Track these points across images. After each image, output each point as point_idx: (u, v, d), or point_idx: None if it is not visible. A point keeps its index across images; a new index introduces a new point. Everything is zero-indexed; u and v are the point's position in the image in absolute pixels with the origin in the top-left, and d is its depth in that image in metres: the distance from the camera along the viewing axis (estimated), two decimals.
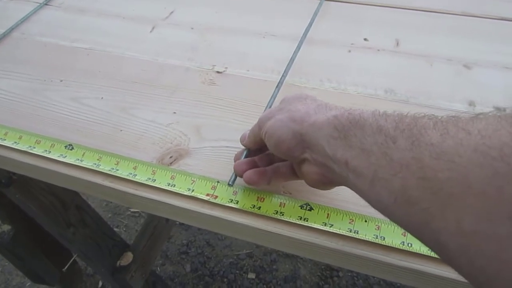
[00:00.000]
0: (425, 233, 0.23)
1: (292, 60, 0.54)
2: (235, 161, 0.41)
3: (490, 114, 0.22)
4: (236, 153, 0.43)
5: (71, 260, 0.97)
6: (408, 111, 0.27)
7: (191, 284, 1.26)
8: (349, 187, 0.30)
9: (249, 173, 0.38)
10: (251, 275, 1.27)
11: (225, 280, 1.26)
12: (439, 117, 0.25)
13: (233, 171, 0.40)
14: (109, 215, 1.46)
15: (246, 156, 0.41)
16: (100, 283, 1.26)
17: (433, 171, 0.22)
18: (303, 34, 0.59)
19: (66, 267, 0.97)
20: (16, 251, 0.86)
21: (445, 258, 0.23)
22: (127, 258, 0.91)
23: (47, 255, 0.92)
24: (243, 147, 0.43)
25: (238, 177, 0.40)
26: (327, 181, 0.33)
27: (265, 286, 1.24)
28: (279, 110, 0.36)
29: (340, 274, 1.25)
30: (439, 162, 0.22)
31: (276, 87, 0.50)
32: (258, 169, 0.39)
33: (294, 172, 0.38)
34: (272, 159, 0.40)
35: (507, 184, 0.19)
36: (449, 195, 0.21)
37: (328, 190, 0.37)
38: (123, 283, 0.90)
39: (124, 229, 1.42)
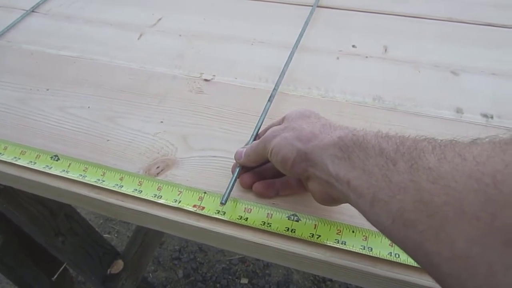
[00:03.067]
0: (420, 255, 0.24)
1: (283, 72, 0.54)
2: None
3: (486, 139, 0.23)
4: (232, 166, 0.43)
5: (61, 269, 0.96)
6: (409, 134, 0.28)
7: None
8: (352, 206, 0.31)
9: (257, 185, 0.41)
10: (244, 280, 1.26)
11: (218, 285, 1.26)
12: (439, 141, 0.26)
13: (225, 189, 0.40)
14: (101, 221, 1.45)
15: (239, 172, 0.41)
16: None
17: (430, 195, 0.23)
18: (295, 43, 0.59)
19: (56, 275, 0.96)
20: (4, 260, 0.85)
21: (438, 280, 0.23)
22: (118, 266, 0.91)
23: (37, 264, 0.91)
24: (232, 157, 0.43)
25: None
26: (332, 199, 0.34)
27: None
28: (284, 128, 0.37)
29: (333, 279, 1.25)
30: (436, 186, 0.23)
31: (268, 100, 0.50)
32: (267, 181, 0.41)
33: (303, 185, 0.38)
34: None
35: (500, 210, 0.20)
36: (444, 219, 0.22)
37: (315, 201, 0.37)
38: None
39: (115, 235, 1.41)
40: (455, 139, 0.25)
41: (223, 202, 0.39)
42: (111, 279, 0.89)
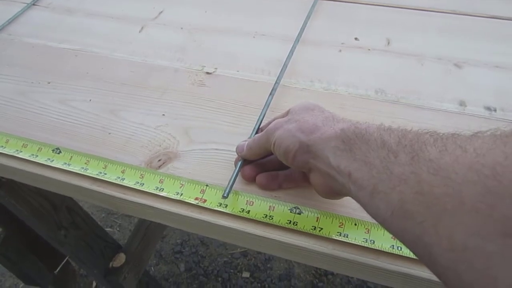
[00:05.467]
0: (419, 246, 0.24)
1: (285, 65, 0.54)
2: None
3: (487, 132, 0.23)
4: (235, 159, 0.43)
5: (63, 262, 0.96)
6: (412, 127, 0.28)
7: (185, 284, 1.26)
8: (353, 198, 0.31)
9: (260, 177, 0.41)
10: (246, 274, 1.27)
11: (220, 279, 1.26)
12: (440, 134, 0.25)
13: (227, 181, 0.40)
14: (103, 215, 1.45)
15: (241, 166, 0.41)
16: (94, 284, 1.25)
17: (430, 186, 0.23)
18: (297, 36, 0.58)
19: (58, 268, 0.96)
20: (7, 254, 0.85)
21: (436, 272, 0.23)
22: (120, 259, 0.91)
23: (39, 257, 0.91)
24: (233, 150, 0.43)
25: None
26: (333, 192, 0.34)
27: (259, 284, 1.24)
28: (287, 120, 0.37)
29: (335, 272, 1.25)
30: (436, 178, 0.23)
31: (270, 94, 0.50)
32: (270, 173, 0.41)
33: (306, 179, 0.38)
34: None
35: (499, 202, 0.20)
36: (443, 210, 0.22)
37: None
38: (116, 284, 0.89)
39: (117, 229, 1.41)
40: (457, 133, 0.25)
41: (225, 195, 0.39)
42: (113, 272, 0.90)
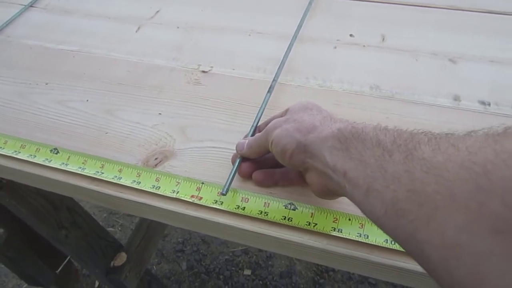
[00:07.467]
0: (411, 244, 0.24)
1: (283, 62, 0.54)
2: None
3: (480, 131, 0.23)
4: (232, 156, 0.44)
5: (65, 262, 0.97)
6: (407, 127, 0.28)
7: (187, 282, 1.27)
8: (348, 198, 0.31)
9: (257, 173, 0.41)
10: (247, 272, 1.27)
11: (221, 277, 1.27)
12: (435, 134, 0.26)
13: (223, 179, 0.40)
14: (104, 214, 1.46)
15: (239, 163, 0.42)
16: (97, 283, 1.26)
17: (422, 184, 0.23)
18: (294, 34, 0.59)
19: (60, 268, 0.96)
20: (9, 254, 0.86)
21: (428, 269, 0.23)
22: (121, 258, 0.91)
23: (41, 257, 0.92)
24: (230, 148, 0.43)
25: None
26: (329, 191, 0.34)
27: (261, 282, 1.24)
28: (286, 120, 0.38)
29: (336, 268, 1.26)
30: (428, 176, 0.23)
31: (268, 91, 0.50)
32: (267, 170, 0.42)
33: (302, 179, 0.38)
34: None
35: (489, 199, 0.20)
36: (434, 208, 0.22)
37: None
38: (118, 283, 0.90)
39: (119, 228, 1.42)
40: (451, 132, 0.25)
41: (224, 193, 0.39)
42: (115, 271, 0.90)
